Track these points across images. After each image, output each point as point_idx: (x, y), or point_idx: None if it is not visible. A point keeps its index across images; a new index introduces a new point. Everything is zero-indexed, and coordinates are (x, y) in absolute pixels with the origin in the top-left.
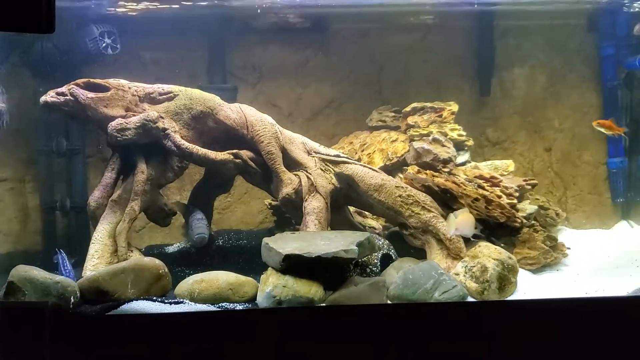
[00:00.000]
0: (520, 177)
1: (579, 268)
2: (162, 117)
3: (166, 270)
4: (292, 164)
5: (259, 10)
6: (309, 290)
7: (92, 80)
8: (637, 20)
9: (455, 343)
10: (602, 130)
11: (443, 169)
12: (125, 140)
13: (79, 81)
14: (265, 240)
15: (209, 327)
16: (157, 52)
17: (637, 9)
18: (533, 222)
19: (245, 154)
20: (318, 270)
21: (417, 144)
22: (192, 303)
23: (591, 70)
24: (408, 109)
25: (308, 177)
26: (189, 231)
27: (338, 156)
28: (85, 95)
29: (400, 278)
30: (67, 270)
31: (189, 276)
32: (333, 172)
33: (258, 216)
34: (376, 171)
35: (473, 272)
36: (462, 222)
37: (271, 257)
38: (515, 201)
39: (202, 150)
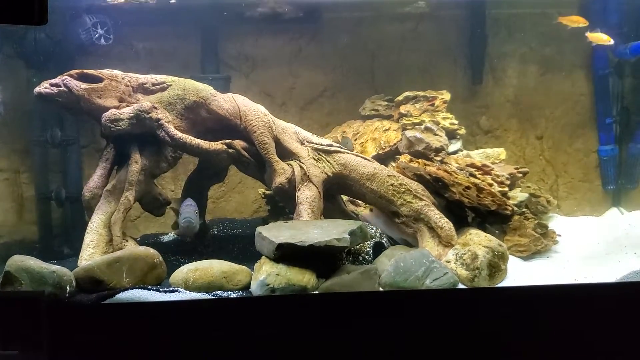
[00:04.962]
0: (511, 165)
1: (569, 255)
2: (155, 108)
3: (161, 259)
4: (285, 154)
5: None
6: (302, 278)
7: (85, 71)
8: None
9: (446, 329)
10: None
11: (435, 158)
12: (119, 130)
13: (73, 72)
14: (259, 229)
15: (204, 315)
16: (150, 42)
17: None
18: (524, 209)
19: (239, 143)
20: (311, 259)
21: (409, 133)
22: (187, 291)
23: (582, 58)
24: (400, 97)
25: (301, 167)
26: (178, 217)
27: (331, 145)
28: (78, 86)
29: (392, 266)
30: None
31: (183, 265)
32: (326, 161)
33: (252, 205)
34: (369, 160)
35: (464, 259)
36: None
37: (265, 246)
38: (506, 189)
39: (196, 141)
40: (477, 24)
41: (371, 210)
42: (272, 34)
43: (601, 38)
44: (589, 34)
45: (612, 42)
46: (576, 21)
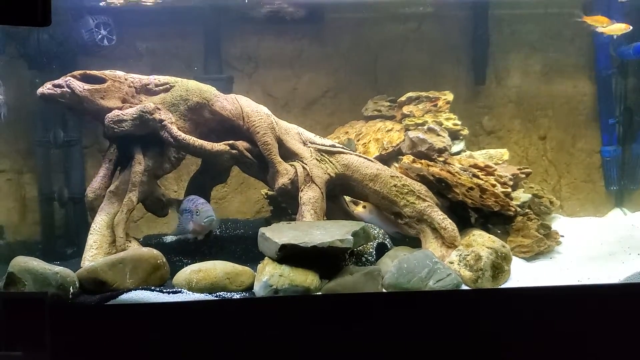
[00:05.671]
0: (514, 165)
1: (572, 256)
2: (158, 109)
3: (164, 260)
4: (288, 155)
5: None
6: (305, 279)
7: (88, 72)
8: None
9: (449, 330)
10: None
11: (438, 158)
12: (122, 131)
13: (76, 73)
14: (262, 230)
15: (207, 316)
16: (153, 42)
17: None
18: (527, 210)
19: (242, 144)
20: (314, 260)
21: (412, 134)
22: (190, 292)
23: (585, 58)
24: (403, 98)
25: (304, 168)
26: (195, 216)
27: (333, 146)
28: (81, 87)
29: (395, 267)
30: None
31: (186, 266)
32: (329, 162)
33: (255, 206)
34: (371, 161)
35: (467, 260)
36: None
37: (268, 247)
38: (509, 190)
39: (199, 142)
40: (479, 25)
41: (364, 207)
42: (274, 34)
43: (620, 28)
44: (603, 29)
45: (630, 28)
46: (600, 21)
